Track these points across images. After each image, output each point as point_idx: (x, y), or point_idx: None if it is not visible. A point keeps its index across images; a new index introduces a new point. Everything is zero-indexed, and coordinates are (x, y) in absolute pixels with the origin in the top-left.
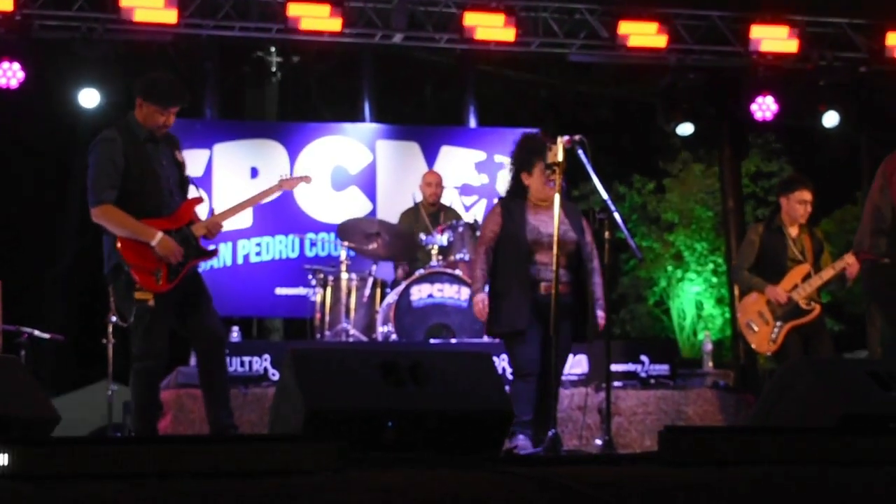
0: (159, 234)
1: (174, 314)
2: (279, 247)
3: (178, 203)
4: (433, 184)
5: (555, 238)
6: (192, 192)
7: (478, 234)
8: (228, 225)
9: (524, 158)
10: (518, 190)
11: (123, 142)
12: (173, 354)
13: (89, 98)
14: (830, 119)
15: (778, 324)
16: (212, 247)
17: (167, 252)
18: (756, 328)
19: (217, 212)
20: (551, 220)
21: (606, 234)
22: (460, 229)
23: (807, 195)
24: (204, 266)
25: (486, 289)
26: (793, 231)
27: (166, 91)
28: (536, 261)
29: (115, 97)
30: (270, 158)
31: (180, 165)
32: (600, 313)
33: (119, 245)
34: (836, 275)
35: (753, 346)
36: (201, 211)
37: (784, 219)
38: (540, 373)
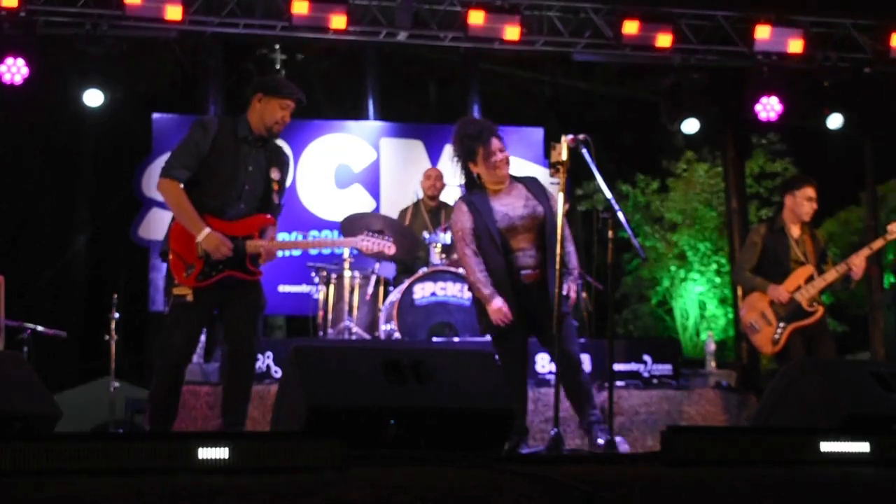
0: (206, 230)
1: (211, 314)
2: None
3: (245, 212)
4: (432, 177)
5: (557, 246)
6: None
7: None
8: None
9: (465, 149)
10: (472, 182)
11: (218, 132)
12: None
13: (94, 97)
14: (835, 121)
15: (781, 324)
16: (256, 267)
17: (212, 247)
18: (759, 328)
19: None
20: (517, 202)
21: (610, 233)
22: None
23: (812, 192)
24: None
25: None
26: (795, 232)
27: (286, 84)
28: (513, 248)
29: (119, 95)
30: None
31: (269, 180)
32: (571, 285)
33: (171, 226)
34: (839, 277)
35: (756, 346)
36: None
37: (787, 219)
38: (517, 371)
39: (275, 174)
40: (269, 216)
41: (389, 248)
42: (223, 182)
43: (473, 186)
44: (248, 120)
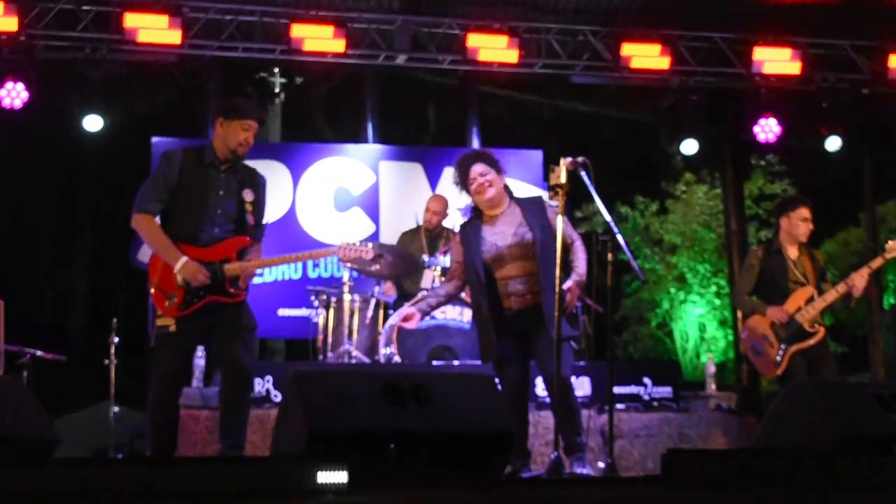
0: (183, 259)
1: (198, 340)
2: (282, 268)
3: (219, 236)
4: (431, 210)
5: (557, 269)
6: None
7: None
8: None
9: (461, 181)
10: (474, 210)
11: (183, 161)
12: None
13: (93, 123)
14: (833, 143)
15: (783, 346)
16: (238, 289)
17: (189, 275)
18: (761, 351)
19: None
20: (508, 229)
21: (609, 255)
22: None
23: (807, 212)
24: None
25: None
26: (793, 253)
27: (245, 105)
28: (501, 277)
29: (119, 119)
30: (273, 179)
31: (241, 202)
32: (568, 284)
33: (150, 259)
34: (839, 297)
35: (758, 368)
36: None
37: (784, 240)
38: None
39: (248, 196)
40: (245, 238)
41: (367, 253)
42: (194, 209)
43: (474, 216)
44: (212, 145)
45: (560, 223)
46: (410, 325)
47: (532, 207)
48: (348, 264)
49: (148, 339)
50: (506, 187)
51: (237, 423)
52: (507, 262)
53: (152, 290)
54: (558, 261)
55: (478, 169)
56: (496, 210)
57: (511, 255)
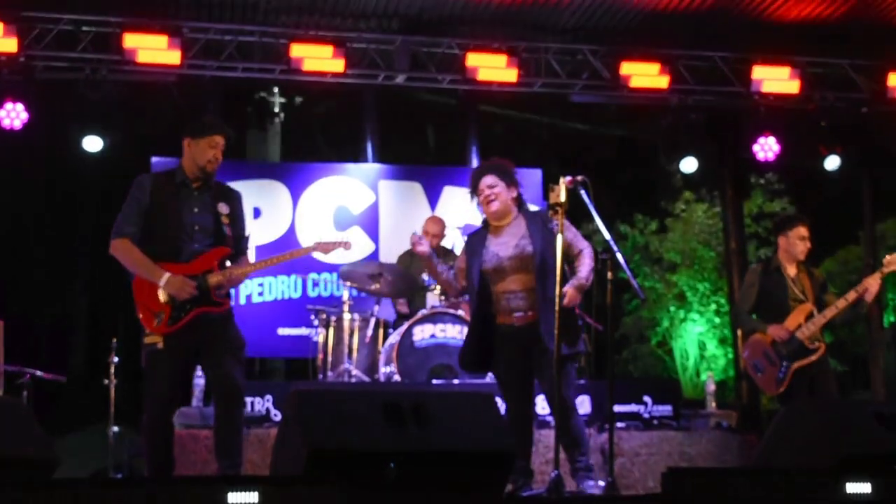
0: (167, 275)
1: (189, 359)
2: (281, 287)
3: (199, 250)
4: (430, 234)
5: (557, 278)
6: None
7: None
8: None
9: (472, 191)
10: (483, 221)
11: (154, 184)
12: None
13: (93, 144)
14: (832, 162)
15: (784, 364)
16: (223, 298)
17: (175, 290)
18: (762, 369)
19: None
20: (510, 241)
21: (609, 274)
22: None
23: (804, 231)
24: None
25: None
26: (791, 271)
27: (207, 123)
28: (501, 291)
29: (119, 139)
30: (273, 199)
31: (217, 215)
32: (566, 287)
33: (133, 283)
34: (839, 312)
35: (760, 387)
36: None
37: (782, 258)
38: (519, 415)
39: (223, 209)
40: (225, 248)
41: (347, 245)
42: (171, 228)
43: (482, 226)
44: (182, 166)
45: (559, 242)
46: (423, 248)
47: (537, 220)
48: (348, 283)
49: None
50: (516, 199)
51: (234, 444)
52: (508, 275)
53: (140, 312)
54: (558, 278)
55: (487, 181)
56: (502, 221)
57: (511, 266)
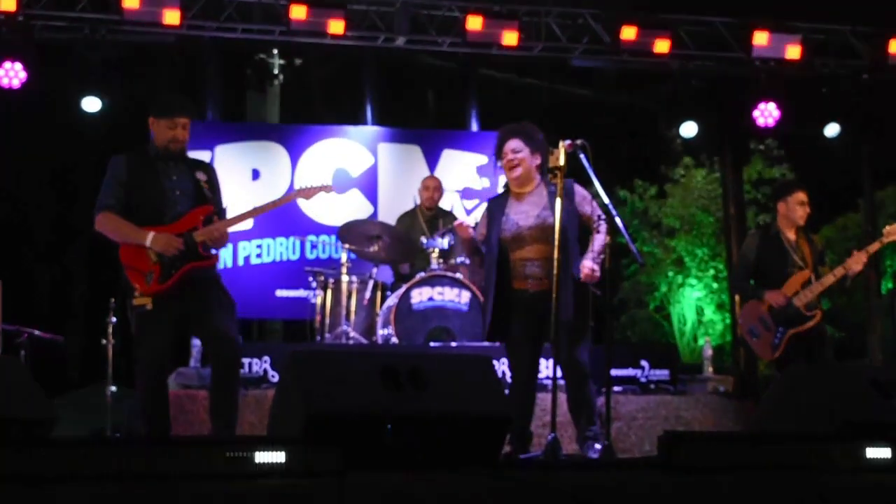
0: (152, 234)
1: (179, 321)
2: (280, 249)
3: (182, 212)
4: (430, 188)
5: (555, 252)
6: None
7: None
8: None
9: (496, 153)
10: (506, 186)
11: (129, 160)
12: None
13: (92, 104)
14: (832, 129)
15: (780, 330)
16: (213, 251)
17: (161, 246)
18: (758, 334)
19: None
20: (532, 210)
21: (608, 238)
22: None
23: (803, 196)
24: None
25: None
26: (791, 237)
27: (169, 102)
28: (518, 258)
29: (118, 100)
30: (272, 160)
31: (196, 181)
32: (586, 262)
33: (119, 251)
34: (836, 281)
35: (755, 352)
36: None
37: (782, 225)
38: (524, 379)
39: (201, 176)
40: (209, 206)
41: (328, 188)
42: (153, 196)
43: (504, 191)
44: (153, 142)
45: (558, 205)
46: (470, 231)
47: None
48: (346, 245)
49: None
50: (540, 166)
51: (228, 405)
52: (527, 244)
53: (129, 275)
54: (556, 243)
55: (511, 145)
56: (524, 188)
57: (531, 236)
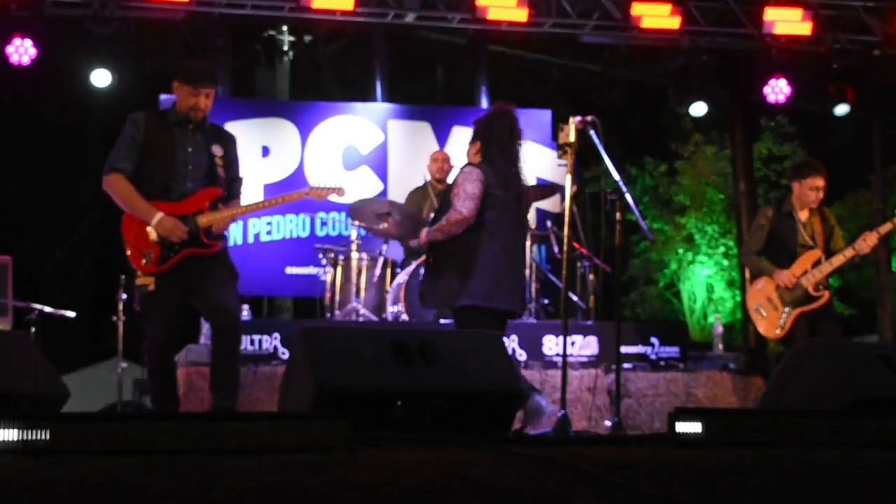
0: (159, 215)
1: (181, 296)
2: (290, 226)
3: (192, 189)
4: (439, 160)
5: (566, 232)
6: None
7: None
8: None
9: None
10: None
11: (149, 122)
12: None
13: (101, 77)
14: (842, 109)
15: (786, 309)
16: (213, 239)
17: (166, 231)
18: (765, 313)
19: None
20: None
21: (618, 215)
22: None
23: (819, 181)
24: None
25: None
26: (803, 215)
27: (195, 71)
28: None
29: (127, 76)
30: (281, 137)
31: (211, 156)
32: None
33: (122, 219)
34: (847, 261)
35: (761, 330)
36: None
37: (794, 203)
38: None
39: (217, 150)
40: (217, 189)
41: (340, 191)
42: (165, 166)
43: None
44: (175, 107)
45: (568, 182)
46: None
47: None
48: (356, 222)
49: None
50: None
51: (228, 377)
52: None
53: (128, 250)
54: (567, 221)
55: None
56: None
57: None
